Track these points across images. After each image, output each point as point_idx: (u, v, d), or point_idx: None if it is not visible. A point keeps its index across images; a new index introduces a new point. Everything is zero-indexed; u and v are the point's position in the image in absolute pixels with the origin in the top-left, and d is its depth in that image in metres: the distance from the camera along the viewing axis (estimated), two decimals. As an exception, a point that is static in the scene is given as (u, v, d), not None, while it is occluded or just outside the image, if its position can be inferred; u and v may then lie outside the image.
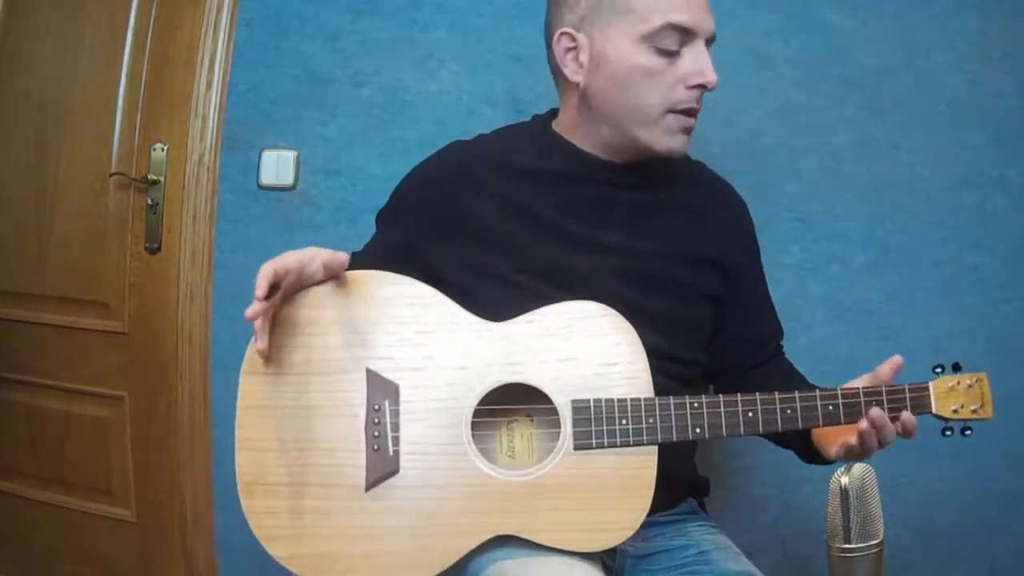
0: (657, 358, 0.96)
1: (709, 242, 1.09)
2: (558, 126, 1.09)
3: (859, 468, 0.78)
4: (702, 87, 0.99)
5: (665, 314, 1.03)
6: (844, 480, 0.77)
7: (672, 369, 1.02)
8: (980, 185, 1.59)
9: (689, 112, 1.00)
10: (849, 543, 0.77)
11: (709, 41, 1.00)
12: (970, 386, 0.95)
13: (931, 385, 0.96)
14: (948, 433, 0.98)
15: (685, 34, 0.97)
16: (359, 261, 1.07)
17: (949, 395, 0.95)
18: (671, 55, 0.98)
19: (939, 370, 0.97)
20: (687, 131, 1.01)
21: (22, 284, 1.75)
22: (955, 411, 0.95)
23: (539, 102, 1.56)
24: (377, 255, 1.08)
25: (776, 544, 1.59)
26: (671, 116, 1.00)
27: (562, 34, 1.03)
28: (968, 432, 0.97)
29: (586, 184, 1.05)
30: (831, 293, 1.58)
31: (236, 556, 1.64)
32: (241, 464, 0.91)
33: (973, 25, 1.57)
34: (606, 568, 1.00)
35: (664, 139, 1.00)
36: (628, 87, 0.99)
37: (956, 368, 0.97)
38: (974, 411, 0.96)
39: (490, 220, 1.03)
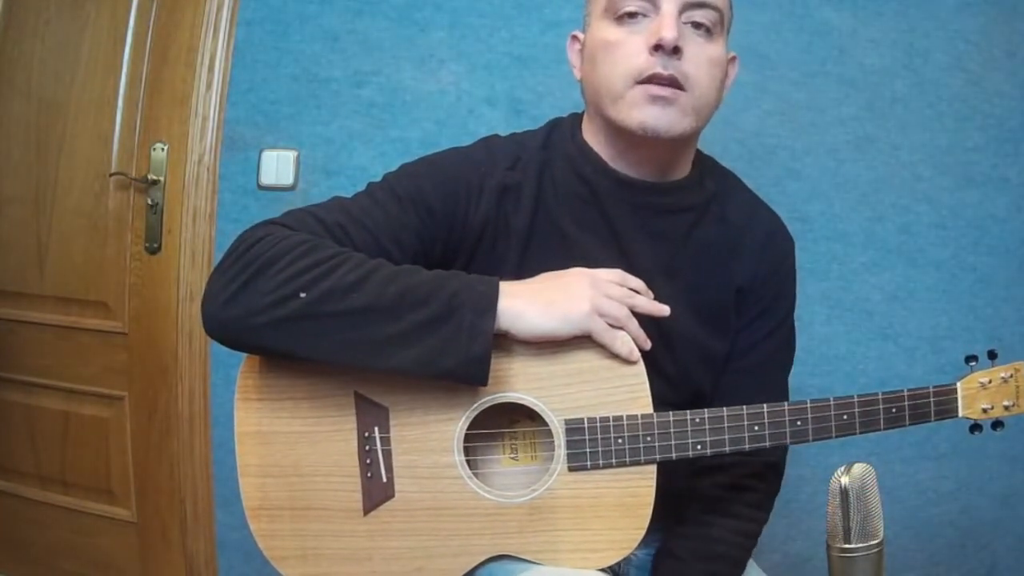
0: (666, 406, 0.92)
1: (727, 291, 1.00)
2: (585, 132, 1.01)
3: (859, 468, 0.77)
4: (660, 48, 0.88)
5: (683, 374, 0.98)
6: (844, 480, 0.76)
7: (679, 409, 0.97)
8: (980, 185, 1.59)
9: (653, 80, 0.89)
10: (849, 543, 0.76)
11: (691, 5, 0.90)
12: (1005, 380, 0.87)
13: (959, 385, 0.88)
14: (977, 432, 0.91)
15: None
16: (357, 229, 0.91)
17: (979, 395, 0.87)
18: (632, 23, 0.91)
19: (973, 363, 0.89)
20: (658, 101, 0.89)
21: (22, 284, 1.75)
22: (985, 411, 0.88)
23: (539, 102, 1.56)
24: (381, 238, 0.91)
25: (776, 544, 1.59)
26: (637, 88, 0.90)
27: (573, 37, 1.02)
28: (999, 428, 0.90)
29: (616, 214, 0.97)
30: (831, 293, 1.59)
31: (236, 556, 1.64)
32: (245, 489, 0.90)
33: (973, 25, 1.57)
34: (611, 571, 1.00)
35: (632, 113, 0.90)
36: (596, 65, 0.93)
37: (992, 356, 0.89)
38: (1007, 407, 0.88)
39: (529, 244, 0.95)
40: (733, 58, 1.01)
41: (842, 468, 0.77)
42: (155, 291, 1.66)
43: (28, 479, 1.79)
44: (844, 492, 0.75)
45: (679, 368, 0.98)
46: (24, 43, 1.73)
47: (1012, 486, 1.63)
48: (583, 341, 0.87)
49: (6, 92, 1.75)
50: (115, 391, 1.70)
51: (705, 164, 1.04)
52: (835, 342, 1.59)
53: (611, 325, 0.86)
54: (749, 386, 1.01)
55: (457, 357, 0.81)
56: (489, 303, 0.83)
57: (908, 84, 1.58)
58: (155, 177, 1.64)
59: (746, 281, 1.01)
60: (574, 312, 0.85)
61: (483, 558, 0.89)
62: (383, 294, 0.82)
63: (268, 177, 1.60)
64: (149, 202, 1.65)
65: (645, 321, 0.89)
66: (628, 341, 0.87)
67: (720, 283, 1.00)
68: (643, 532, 0.88)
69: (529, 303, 0.85)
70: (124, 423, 1.70)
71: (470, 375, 0.82)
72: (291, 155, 1.59)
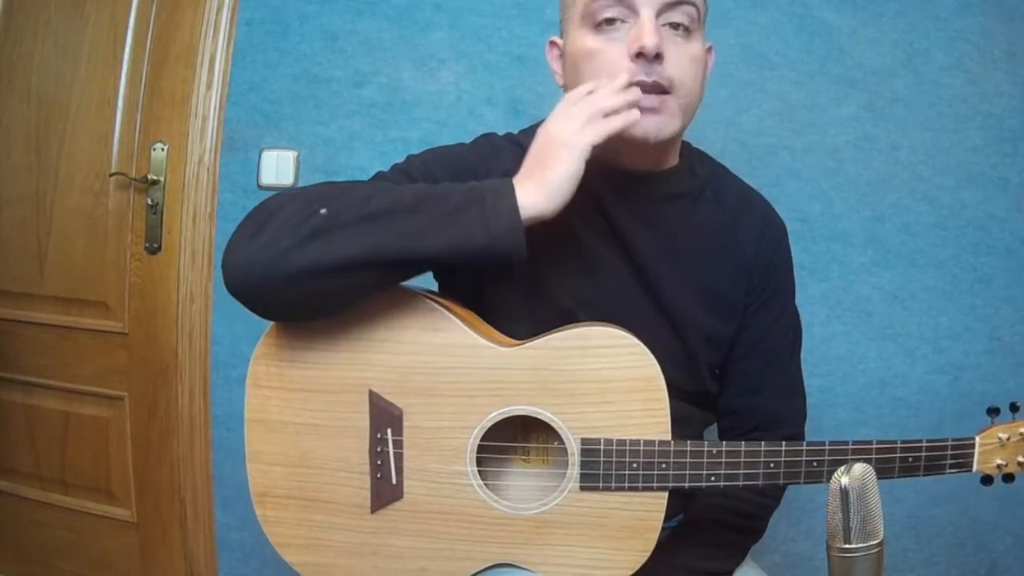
0: (675, 390, 0.91)
1: (730, 272, 1.00)
2: None
3: (859, 468, 0.77)
4: (641, 55, 0.87)
5: (691, 358, 0.99)
6: (844, 480, 0.76)
7: (687, 398, 0.98)
8: (980, 185, 1.59)
9: (640, 88, 0.88)
10: (849, 543, 0.76)
11: (668, 6, 0.89)
12: None
13: (978, 440, 0.88)
14: (987, 484, 0.90)
15: (621, 3, 0.89)
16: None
17: (996, 450, 0.87)
18: (611, 30, 0.90)
19: (994, 416, 0.88)
20: (645, 111, 0.88)
21: (22, 284, 1.75)
22: (999, 467, 0.88)
23: (539, 102, 1.56)
24: None
25: (776, 544, 1.59)
26: None
27: (551, 43, 1.02)
28: (1010, 481, 0.90)
29: (612, 206, 0.97)
30: (831, 293, 1.59)
31: (236, 556, 1.64)
32: (252, 475, 0.90)
33: (973, 25, 1.57)
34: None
35: None
36: (579, 74, 0.92)
37: (1014, 409, 0.88)
38: (1021, 464, 0.88)
39: (532, 233, 0.95)
40: (710, 48, 1.00)
41: (842, 468, 0.77)
42: (155, 291, 1.66)
43: (28, 479, 1.79)
44: (844, 492, 0.75)
45: (687, 352, 0.98)
46: (24, 43, 1.73)
47: (1012, 486, 1.62)
48: (603, 359, 0.86)
49: (6, 92, 1.75)
50: (115, 391, 1.70)
51: (693, 153, 1.05)
52: (835, 342, 1.59)
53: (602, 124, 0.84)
54: (761, 376, 1.02)
55: (488, 233, 0.80)
56: (507, 187, 0.83)
57: (908, 84, 1.58)
58: (155, 177, 1.64)
59: (748, 262, 1.01)
60: (569, 155, 0.83)
61: (487, 565, 0.90)
62: (400, 199, 0.83)
63: (268, 177, 1.60)
64: (149, 202, 1.65)
65: (653, 309, 0.91)
66: (625, 112, 0.85)
67: (722, 265, 1.00)
68: (647, 555, 0.88)
69: (538, 185, 0.83)
70: (124, 423, 1.70)
71: (507, 247, 0.81)
72: (291, 155, 1.59)
